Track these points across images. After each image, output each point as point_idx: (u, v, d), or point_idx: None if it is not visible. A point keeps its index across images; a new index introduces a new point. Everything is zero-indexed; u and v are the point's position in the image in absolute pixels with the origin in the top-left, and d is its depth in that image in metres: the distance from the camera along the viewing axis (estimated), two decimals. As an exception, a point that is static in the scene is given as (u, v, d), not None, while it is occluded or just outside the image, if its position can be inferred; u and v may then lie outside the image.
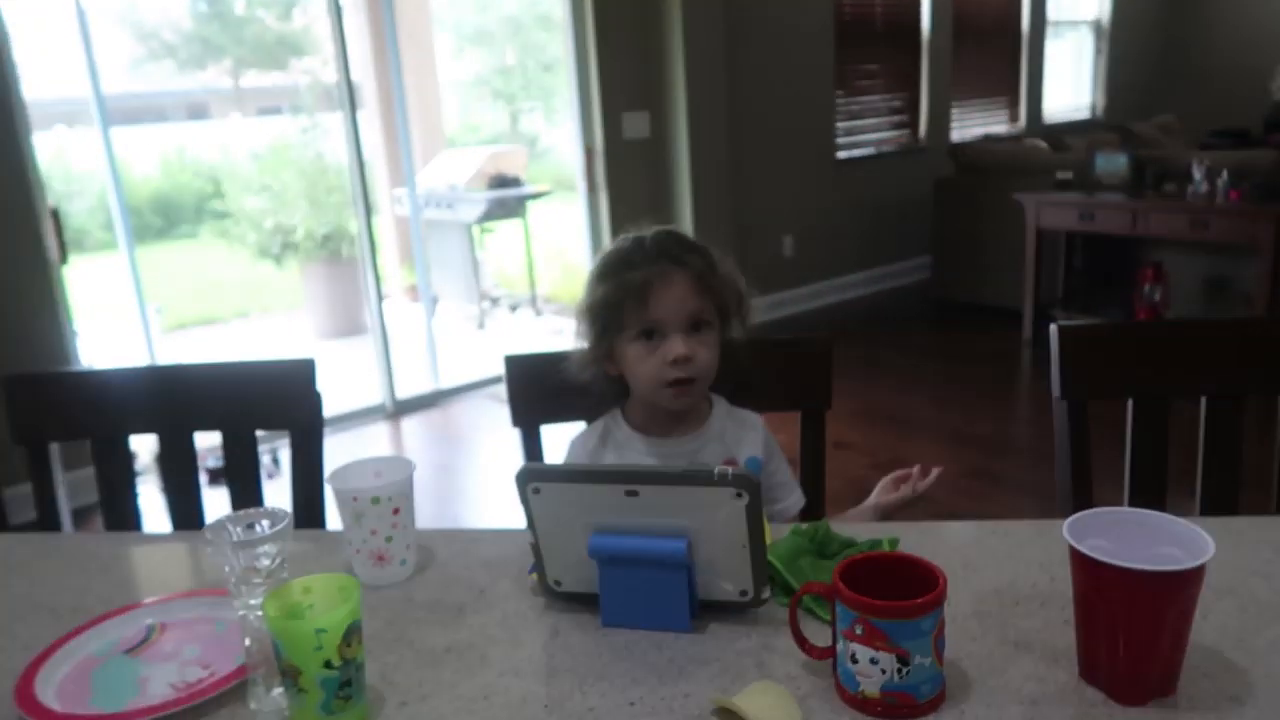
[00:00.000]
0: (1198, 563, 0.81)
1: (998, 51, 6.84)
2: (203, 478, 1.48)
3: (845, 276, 6.05)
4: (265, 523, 0.88)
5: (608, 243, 1.42)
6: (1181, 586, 0.82)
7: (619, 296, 1.28)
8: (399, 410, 4.33)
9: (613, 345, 1.32)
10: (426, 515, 3.86)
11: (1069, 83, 7.56)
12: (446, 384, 4.57)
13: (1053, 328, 1.42)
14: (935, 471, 1.37)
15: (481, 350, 5.37)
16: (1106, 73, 7.63)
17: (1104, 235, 4.78)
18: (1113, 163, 4.68)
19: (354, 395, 4.32)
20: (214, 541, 0.87)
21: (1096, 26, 7.53)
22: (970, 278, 5.45)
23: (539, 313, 6.09)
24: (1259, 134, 7.47)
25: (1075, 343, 1.41)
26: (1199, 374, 1.42)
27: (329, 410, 1.43)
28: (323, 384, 1.40)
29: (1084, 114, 7.64)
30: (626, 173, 4.84)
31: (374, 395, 4.33)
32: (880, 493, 1.38)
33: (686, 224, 4.93)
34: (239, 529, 0.88)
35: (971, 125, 6.72)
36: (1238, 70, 7.74)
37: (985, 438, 3.79)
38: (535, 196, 5.98)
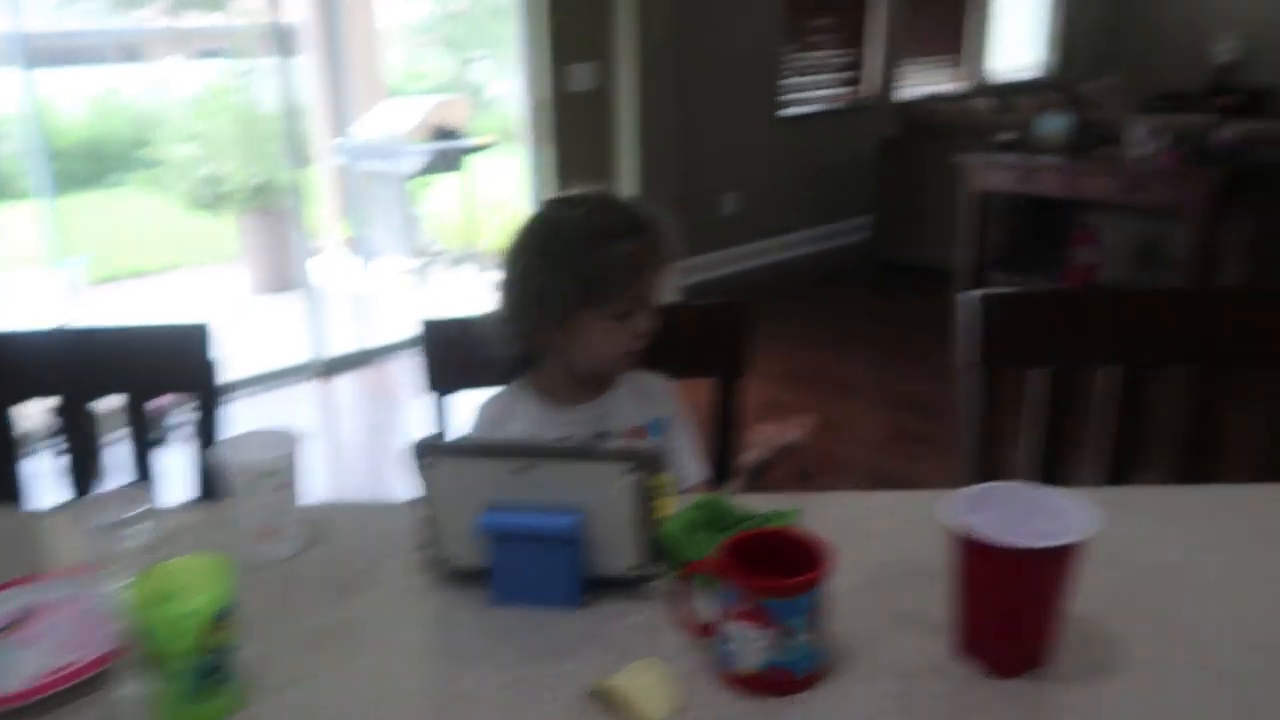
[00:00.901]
0: (1072, 540, 0.82)
1: (948, 8, 6.81)
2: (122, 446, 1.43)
3: (787, 235, 6.04)
4: (130, 503, 0.85)
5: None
6: (1056, 562, 0.83)
7: (601, 274, 1.22)
8: (329, 369, 4.25)
9: (570, 320, 1.26)
10: (348, 483, 3.73)
11: (1022, 41, 7.57)
12: (380, 342, 4.49)
13: (961, 297, 1.42)
14: (799, 427, 1.22)
15: (418, 307, 5.30)
16: (1060, 33, 7.66)
17: (1045, 198, 4.82)
18: (1054, 124, 4.70)
19: (285, 353, 4.23)
20: (78, 522, 0.84)
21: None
22: (911, 239, 5.48)
23: (482, 268, 6.02)
24: (1199, 97, 7.58)
25: (979, 310, 1.41)
26: (1104, 344, 1.43)
27: (256, 369, 1.38)
28: (251, 341, 1.36)
29: (1035, 73, 7.67)
30: (573, 126, 4.76)
31: (304, 353, 4.25)
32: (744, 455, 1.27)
33: (634, 180, 4.88)
34: (105, 509, 0.85)
35: (920, 83, 6.71)
36: (1184, 34, 7.82)
37: (919, 399, 3.83)
38: (477, 149, 5.86)
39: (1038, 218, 5.38)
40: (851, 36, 6.20)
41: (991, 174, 4.70)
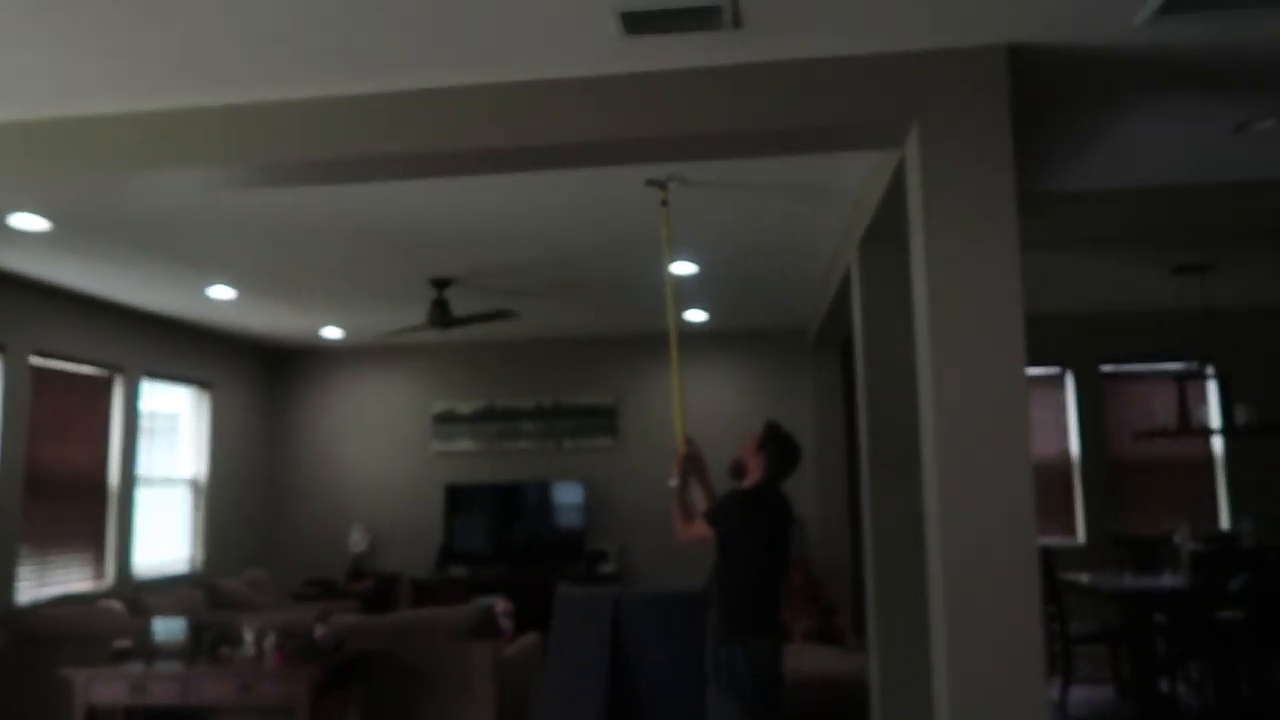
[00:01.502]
0: None
1: (83, 507, 6.59)
2: None
3: None
4: None
5: None
6: None
7: None
8: None
9: None
10: None
11: (172, 538, 7.60)
12: None
13: None
14: None
15: None
16: (205, 529, 7.89)
17: (162, 709, 4.61)
18: (171, 628, 4.65)
19: None
20: None
21: (194, 484, 7.86)
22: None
23: None
24: (344, 583, 8.39)
25: None
26: None
27: None
28: None
29: (184, 568, 7.68)
30: None
31: None
32: None
33: None
34: None
35: (51, 583, 6.20)
36: (325, 527, 8.72)
37: None
38: None
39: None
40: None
41: (103, 687, 4.38)
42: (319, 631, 4.49)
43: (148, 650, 4.67)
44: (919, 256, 3.03)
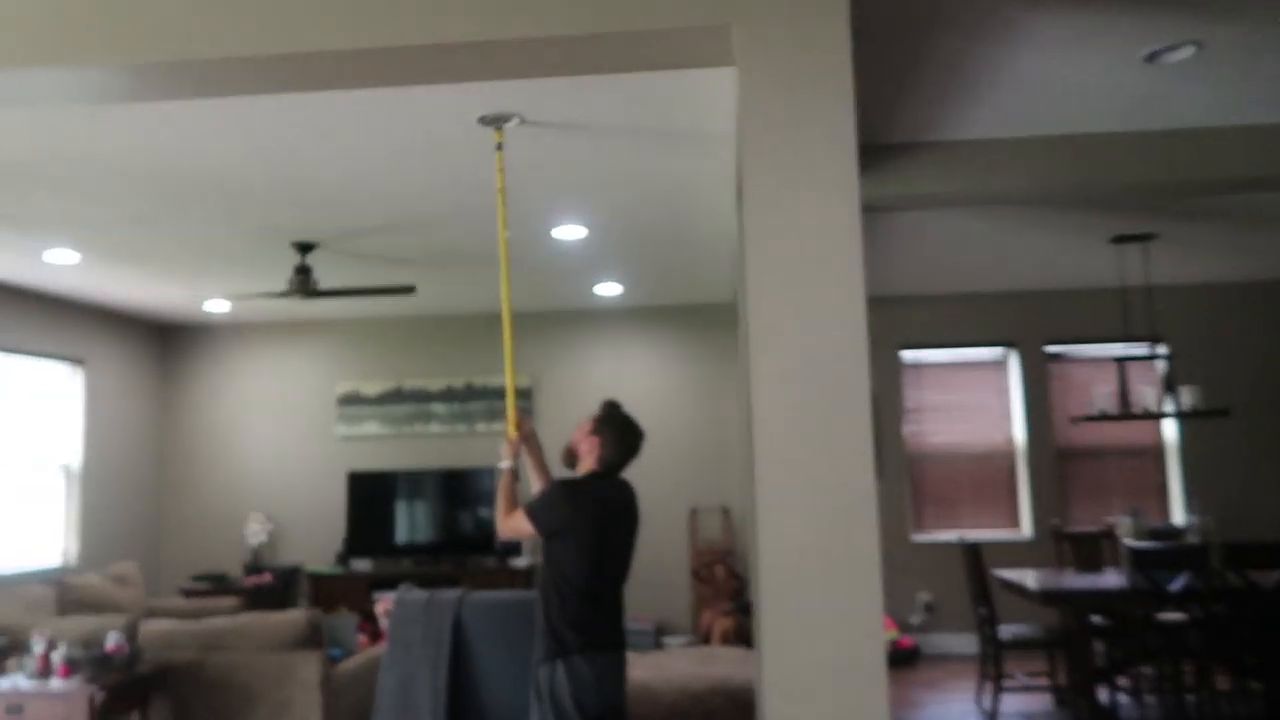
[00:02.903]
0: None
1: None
2: None
3: None
4: None
5: None
6: None
7: None
8: None
9: None
10: None
11: (41, 529, 6.98)
12: None
13: None
14: None
15: None
16: (81, 519, 7.27)
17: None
18: (-49, 638, 4.05)
19: None
20: None
21: (67, 470, 7.23)
22: None
23: None
24: (237, 577, 7.79)
25: None
26: None
27: None
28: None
29: (56, 562, 7.06)
30: None
31: None
32: None
33: None
34: None
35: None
36: (222, 516, 8.11)
37: None
38: None
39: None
40: None
41: None
42: (111, 642, 3.89)
43: (-74, 662, 4.07)
44: (745, 201, 2.44)
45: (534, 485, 3.40)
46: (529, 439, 3.42)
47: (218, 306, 7.47)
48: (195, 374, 8.31)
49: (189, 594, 7.42)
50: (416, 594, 4.02)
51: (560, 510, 3.08)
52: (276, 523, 8.05)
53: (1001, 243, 5.88)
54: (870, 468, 2.23)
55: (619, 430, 3.22)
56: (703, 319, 7.89)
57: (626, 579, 3.22)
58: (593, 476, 3.20)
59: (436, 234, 5.31)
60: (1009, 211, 5.18)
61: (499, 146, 3.53)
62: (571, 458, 3.31)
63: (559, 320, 8.00)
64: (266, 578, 7.60)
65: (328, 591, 7.52)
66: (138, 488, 7.96)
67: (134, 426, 7.94)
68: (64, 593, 5.87)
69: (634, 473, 7.48)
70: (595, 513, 3.10)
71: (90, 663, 3.79)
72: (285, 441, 8.16)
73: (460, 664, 3.94)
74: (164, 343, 8.33)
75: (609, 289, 7.09)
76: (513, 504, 3.24)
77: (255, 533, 7.92)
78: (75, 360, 7.32)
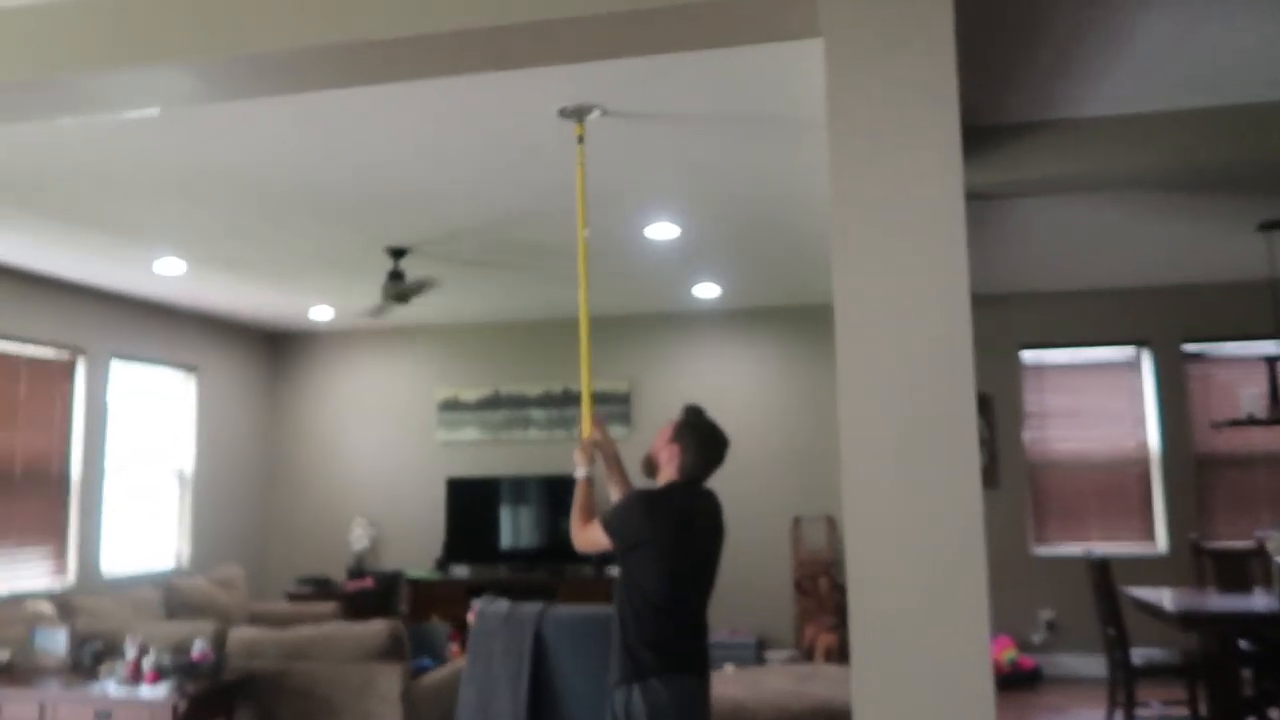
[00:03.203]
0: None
1: (42, 499, 6.20)
2: None
3: None
4: None
5: None
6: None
7: None
8: None
9: None
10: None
11: (156, 532, 7.19)
12: None
13: None
14: None
15: None
16: (193, 522, 7.46)
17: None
18: (51, 640, 4.12)
19: None
20: None
21: (180, 475, 7.43)
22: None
23: None
24: (340, 582, 7.87)
25: None
26: None
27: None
28: None
29: (169, 565, 7.27)
30: None
31: None
32: None
33: None
34: None
35: (7, 580, 5.82)
36: (328, 520, 8.22)
37: None
38: None
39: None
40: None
41: (-40, 706, 3.87)
42: (197, 650, 3.88)
43: (30, 662, 4.15)
44: (833, 186, 2.20)
45: (613, 495, 3.21)
46: (604, 445, 3.23)
47: (322, 314, 7.56)
48: (302, 381, 8.46)
49: (293, 597, 7.53)
50: (498, 605, 3.88)
51: (638, 522, 2.88)
52: (379, 528, 8.10)
53: (1130, 232, 5.41)
54: (975, 478, 1.95)
55: (701, 437, 3.00)
56: (806, 320, 7.58)
57: (710, 596, 2.99)
58: (674, 486, 2.99)
59: (525, 233, 5.19)
60: (1137, 197, 4.73)
61: (580, 140, 3.36)
62: (651, 467, 3.11)
63: (657, 323, 7.81)
64: (368, 582, 7.65)
65: (426, 597, 7.51)
66: (247, 492, 8.13)
67: (244, 432, 8.13)
68: (171, 596, 5.98)
69: (734, 480, 7.22)
70: (675, 525, 2.89)
71: (177, 669, 3.79)
72: (387, 447, 8.21)
73: (541, 680, 3.78)
74: (273, 350, 8.51)
75: (707, 290, 6.86)
76: (589, 515, 3.05)
77: (358, 538, 7.99)
78: (189, 367, 7.52)
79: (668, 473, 3.01)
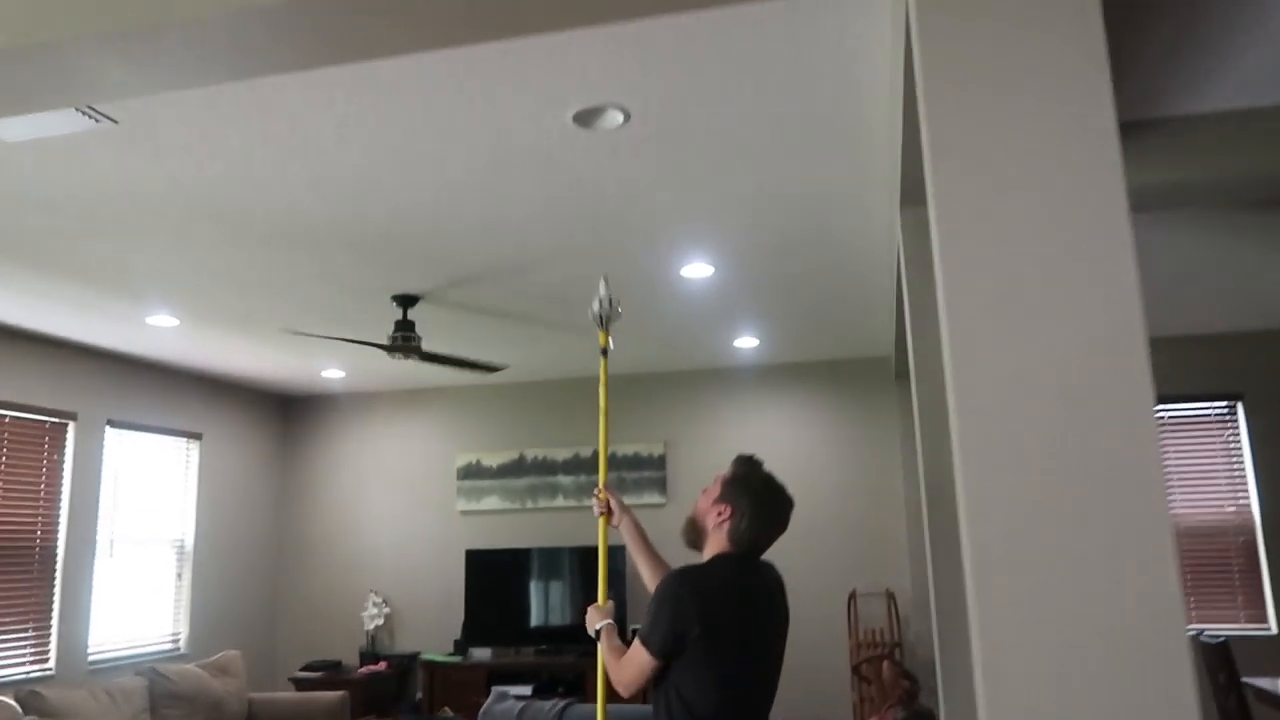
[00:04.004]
0: None
1: (23, 575, 5.66)
2: None
3: None
4: None
5: None
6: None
7: None
8: None
9: None
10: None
11: (153, 612, 6.62)
12: None
13: None
14: None
15: None
16: (192, 600, 6.89)
17: None
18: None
19: None
20: None
21: (179, 548, 6.89)
22: None
23: None
24: (352, 665, 7.24)
25: None
26: None
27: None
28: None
29: (167, 646, 6.68)
30: None
31: None
32: None
33: None
34: None
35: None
36: (339, 598, 7.62)
37: None
38: None
39: None
40: None
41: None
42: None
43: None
44: (930, 195, 1.62)
45: (646, 578, 2.60)
46: (620, 514, 2.63)
47: (334, 374, 7.07)
48: (313, 447, 7.94)
49: (299, 684, 6.90)
50: (506, 705, 3.24)
51: (679, 613, 2.23)
52: (394, 605, 7.48)
53: (1232, 263, 4.76)
54: (1175, 576, 1.32)
55: (759, 494, 2.37)
56: (857, 376, 6.95)
57: (771, 706, 2.35)
58: (724, 560, 2.36)
59: (544, 276, 4.67)
60: (1246, 218, 4.10)
61: (604, 352, 2.81)
62: (694, 533, 2.48)
63: (691, 381, 7.22)
64: (381, 666, 7.01)
65: (444, 682, 6.84)
66: (253, 567, 7.56)
67: (250, 501, 7.59)
68: (156, 685, 5.39)
69: (779, 552, 6.54)
70: (728, 613, 2.25)
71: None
72: (404, 517, 7.63)
73: (563, 797, 3.13)
74: (284, 415, 8.01)
75: (743, 341, 6.27)
76: (621, 650, 2.39)
77: (372, 616, 7.37)
78: (192, 435, 7.02)
79: (716, 542, 2.39)
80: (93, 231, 3.88)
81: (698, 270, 4.58)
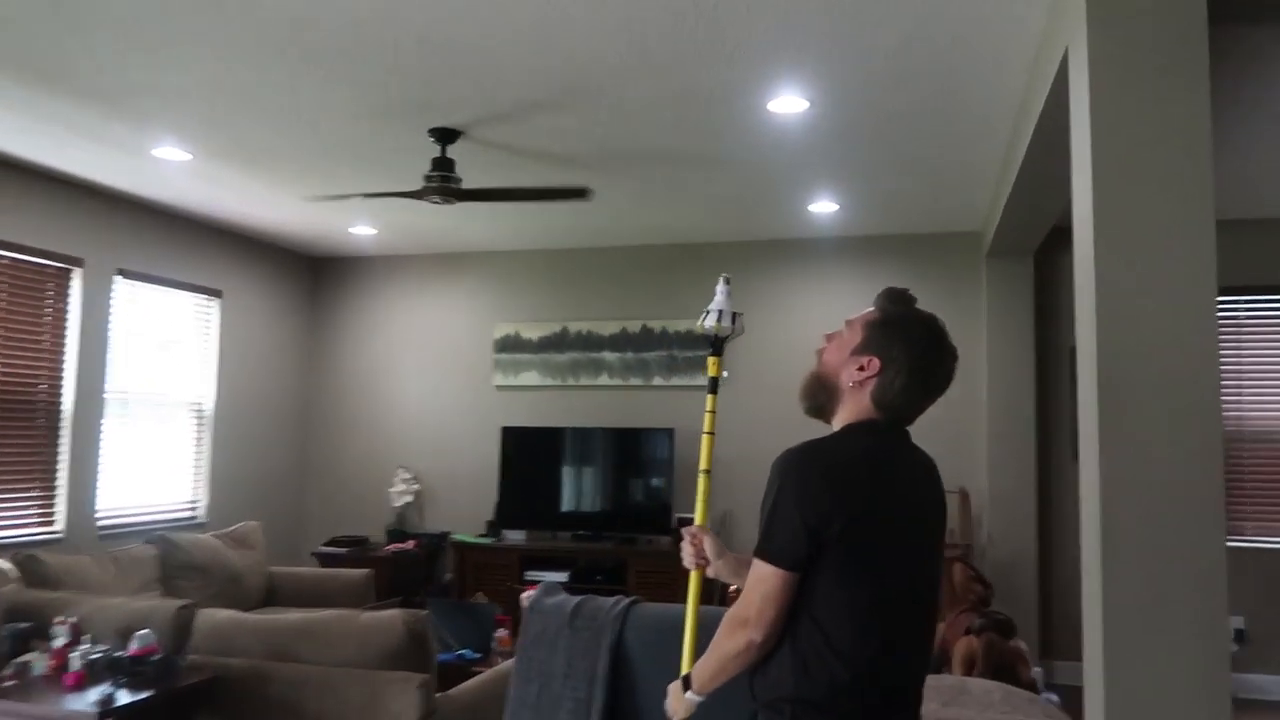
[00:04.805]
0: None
1: (21, 431, 5.21)
2: None
3: None
4: None
5: None
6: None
7: None
8: None
9: None
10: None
11: (171, 478, 6.21)
12: None
13: None
14: None
15: None
16: (211, 468, 6.47)
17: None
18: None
19: None
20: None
21: (199, 412, 6.44)
22: None
23: None
24: (379, 542, 6.85)
25: None
26: None
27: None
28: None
29: (185, 514, 6.29)
30: None
31: None
32: None
33: None
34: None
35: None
36: (367, 470, 7.20)
37: None
38: None
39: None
40: None
41: None
42: (136, 644, 2.79)
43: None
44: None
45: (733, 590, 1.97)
46: (718, 561, 1.96)
47: (364, 231, 6.46)
48: (343, 311, 7.40)
49: (322, 559, 6.51)
50: (559, 600, 2.72)
51: (810, 500, 1.60)
52: (424, 482, 7.04)
53: None
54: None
55: (920, 342, 1.73)
56: (941, 253, 6.24)
57: (934, 638, 1.76)
58: (865, 429, 1.73)
59: (608, 115, 3.97)
60: None
61: (714, 386, 2.12)
62: (823, 394, 1.82)
63: (758, 250, 6.53)
64: (409, 545, 6.60)
65: (475, 564, 6.43)
66: (277, 436, 7.12)
67: (275, 367, 7.10)
68: (168, 554, 4.97)
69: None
70: (879, 499, 1.64)
71: (111, 668, 2.71)
72: (436, 390, 7.12)
73: (621, 702, 2.62)
74: (312, 276, 7.45)
75: (821, 205, 5.56)
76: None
77: (400, 492, 6.94)
78: (212, 292, 6.48)
79: (854, 406, 1.75)
80: (77, 27, 3.22)
81: (789, 104, 3.85)
